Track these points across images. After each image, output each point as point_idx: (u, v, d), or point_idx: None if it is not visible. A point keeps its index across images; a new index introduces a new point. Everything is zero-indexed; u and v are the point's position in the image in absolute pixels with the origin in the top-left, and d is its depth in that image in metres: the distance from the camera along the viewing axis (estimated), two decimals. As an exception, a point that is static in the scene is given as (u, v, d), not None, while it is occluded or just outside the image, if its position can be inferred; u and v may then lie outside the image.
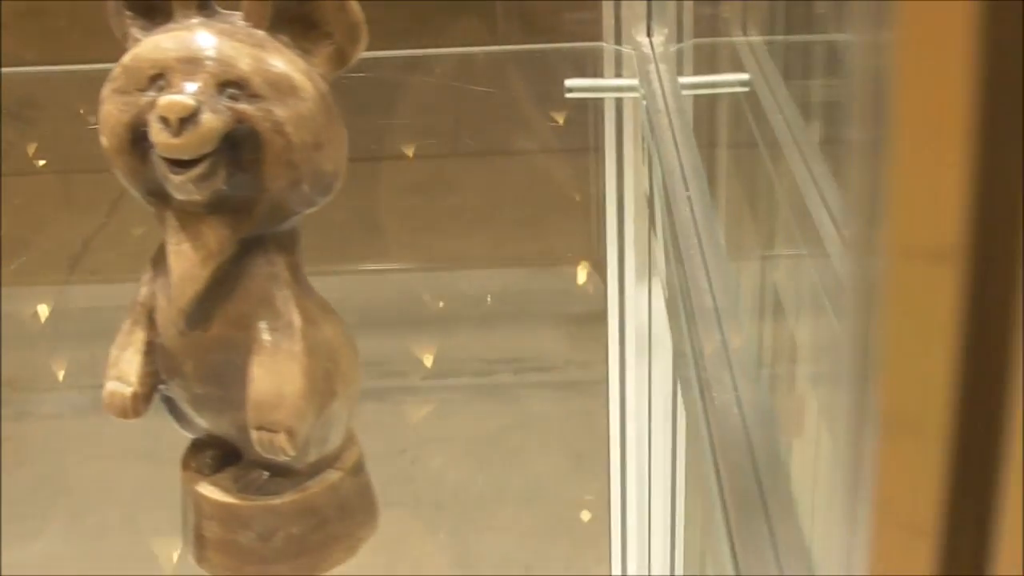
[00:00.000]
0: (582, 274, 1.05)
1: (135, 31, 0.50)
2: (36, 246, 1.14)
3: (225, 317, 0.50)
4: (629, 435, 0.87)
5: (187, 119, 0.46)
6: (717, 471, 0.54)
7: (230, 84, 0.47)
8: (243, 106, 0.47)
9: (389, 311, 0.97)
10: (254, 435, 0.50)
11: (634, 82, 0.75)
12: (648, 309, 0.83)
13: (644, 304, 0.83)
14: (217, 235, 0.49)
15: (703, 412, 0.57)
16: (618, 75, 0.79)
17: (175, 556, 0.78)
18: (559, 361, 0.98)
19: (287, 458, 0.50)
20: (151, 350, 0.52)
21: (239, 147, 0.48)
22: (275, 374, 0.50)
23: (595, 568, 0.89)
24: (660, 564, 0.88)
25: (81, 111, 1.08)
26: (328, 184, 0.49)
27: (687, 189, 0.66)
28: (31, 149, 1.20)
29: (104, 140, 0.49)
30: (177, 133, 0.46)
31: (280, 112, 0.48)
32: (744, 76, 0.72)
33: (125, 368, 0.52)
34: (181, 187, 0.47)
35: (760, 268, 0.70)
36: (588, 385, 1.01)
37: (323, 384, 0.51)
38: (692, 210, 0.65)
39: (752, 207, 0.74)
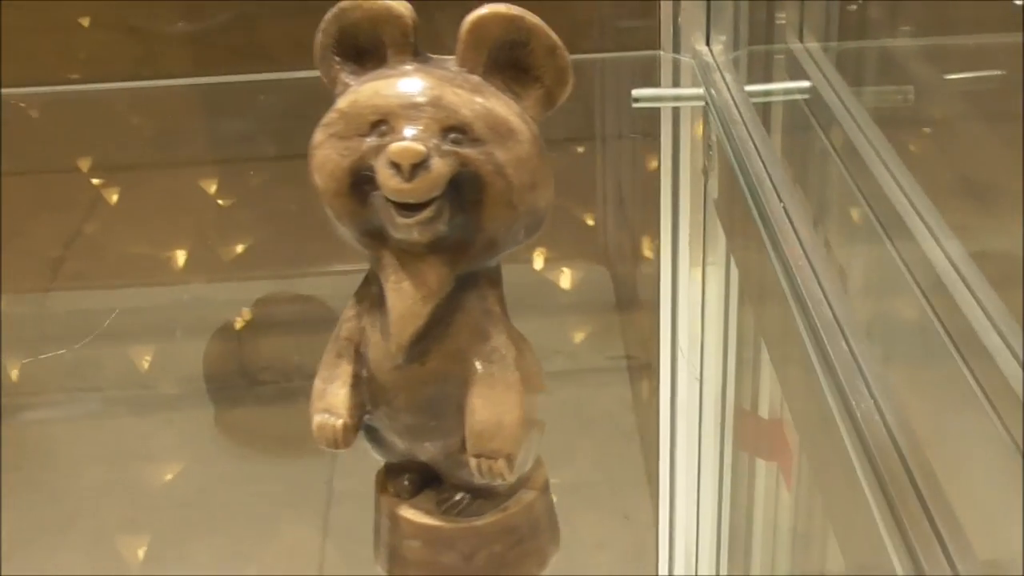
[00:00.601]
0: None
1: (345, 76, 0.51)
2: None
3: (441, 351, 0.51)
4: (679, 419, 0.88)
5: (418, 165, 0.47)
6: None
7: (453, 129, 0.49)
8: (466, 151, 0.49)
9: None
10: (473, 462, 0.52)
11: (699, 91, 0.76)
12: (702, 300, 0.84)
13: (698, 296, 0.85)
14: (437, 273, 0.50)
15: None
16: (675, 83, 0.80)
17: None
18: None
19: (504, 482, 0.52)
20: (358, 383, 0.53)
21: (461, 189, 0.49)
22: (494, 404, 0.51)
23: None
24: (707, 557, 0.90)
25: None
26: (540, 221, 0.51)
27: (780, 199, 0.68)
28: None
29: (320, 182, 0.50)
30: (409, 179, 0.47)
31: (501, 155, 0.49)
32: (806, 83, 0.74)
33: (332, 400, 0.53)
34: (407, 230, 0.49)
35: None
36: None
37: (531, 409, 0.52)
38: (788, 215, 0.67)
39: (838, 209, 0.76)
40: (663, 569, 0.90)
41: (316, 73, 0.52)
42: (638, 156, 1.07)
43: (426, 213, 0.48)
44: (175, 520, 1.01)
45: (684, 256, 0.85)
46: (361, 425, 0.54)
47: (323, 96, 0.52)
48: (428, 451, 0.54)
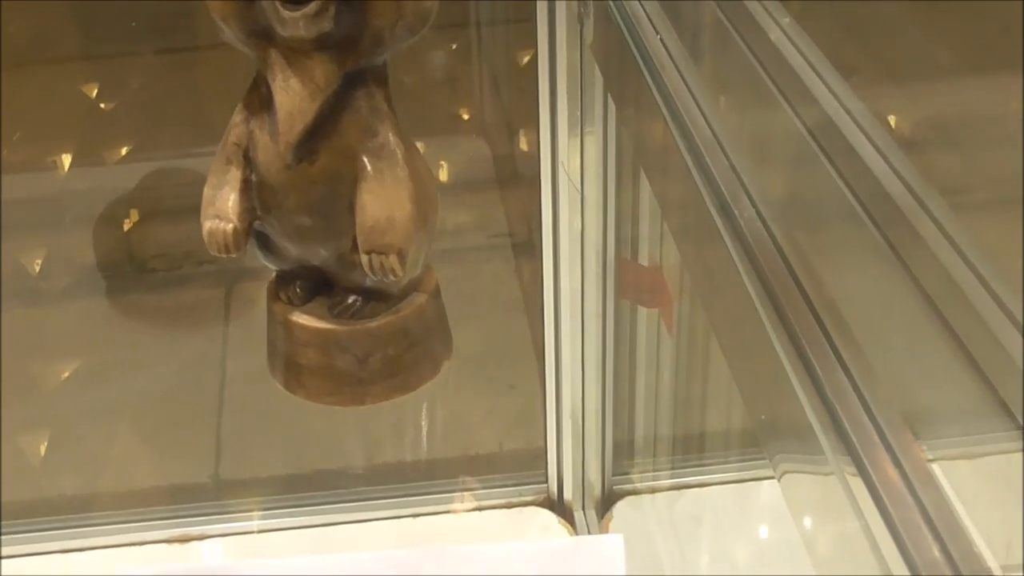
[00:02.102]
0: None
1: None
2: None
3: (331, 149, 0.50)
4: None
5: None
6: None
7: (338, -75, 0.48)
8: None
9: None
10: (364, 259, 0.51)
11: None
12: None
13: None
14: (324, 70, 0.49)
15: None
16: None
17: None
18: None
19: (395, 279, 0.51)
20: (247, 187, 0.52)
21: None
22: (384, 200, 0.50)
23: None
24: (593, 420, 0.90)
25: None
26: (425, 17, 0.50)
27: (656, 32, 0.67)
28: None
29: None
30: None
31: None
32: None
33: (222, 206, 0.52)
34: (292, 24, 0.48)
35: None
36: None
37: (424, 207, 0.52)
38: (665, 46, 0.66)
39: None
40: (551, 435, 0.90)
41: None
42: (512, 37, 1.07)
43: (311, 6, 0.47)
44: (74, 411, 0.99)
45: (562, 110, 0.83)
46: (251, 230, 0.53)
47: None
48: (320, 255, 0.53)
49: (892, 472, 0.40)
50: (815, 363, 0.46)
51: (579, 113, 0.80)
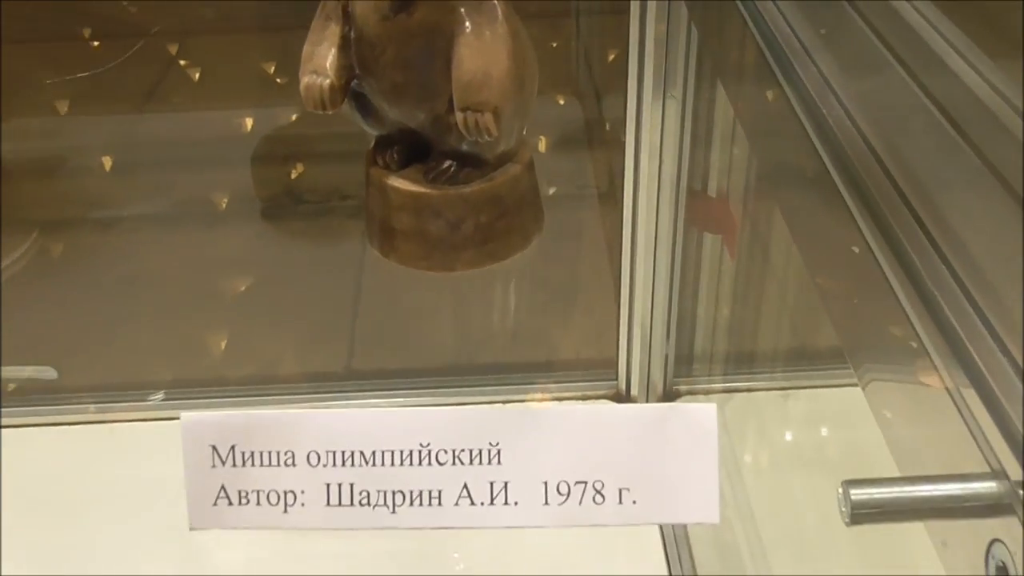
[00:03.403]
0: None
1: None
2: None
3: (430, 2, 0.35)
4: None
5: None
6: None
7: None
8: None
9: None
10: (460, 116, 0.35)
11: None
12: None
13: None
14: (425, -83, 0.34)
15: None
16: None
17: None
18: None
19: (490, 138, 0.35)
20: (345, 44, 0.37)
21: None
22: (482, 55, 0.35)
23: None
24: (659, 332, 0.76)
25: None
26: None
27: None
28: None
29: None
30: None
31: None
32: None
33: (320, 62, 0.37)
34: None
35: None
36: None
37: (521, 69, 0.36)
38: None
39: None
40: (622, 343, 0.76)
41: None
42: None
43: None
44: (246, 317, 0.90)
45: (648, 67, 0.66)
46: (348, 88, 0.37)
47: None
48: (416, 116, 0.37)
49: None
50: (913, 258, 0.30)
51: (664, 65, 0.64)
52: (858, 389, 0.32)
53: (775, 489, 0.69)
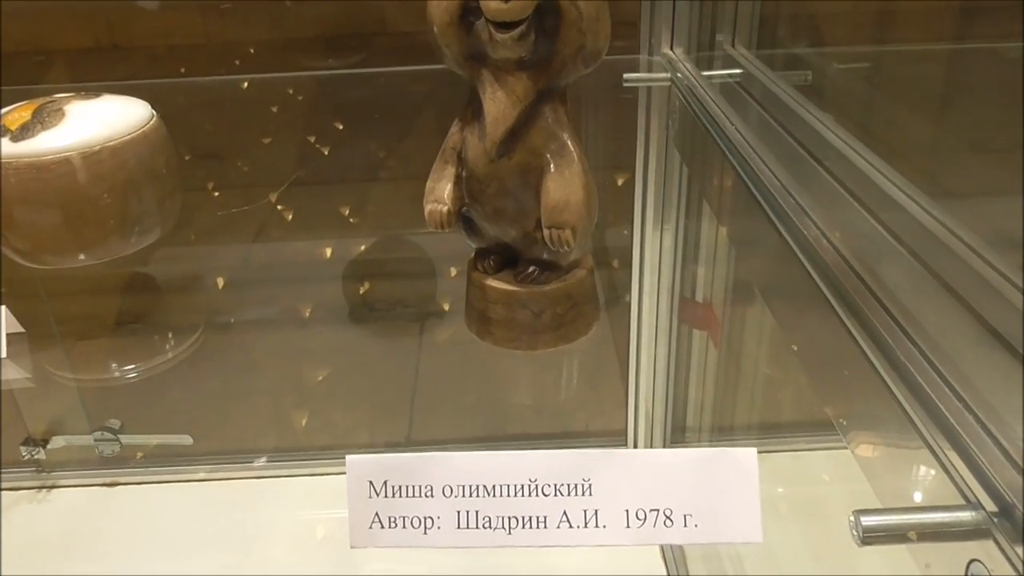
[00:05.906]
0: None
1: None
2: None
3: (525, 148, 0.36)
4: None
5: None
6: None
7: (537, -31, 0.34)
8: None
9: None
10: (546, 232, 0.36)
11: (667, 75, 0.63)
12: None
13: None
14: (523, 85, 0.35)
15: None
16: (650, 71, 0.66)
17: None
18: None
19: (568, 250, 0.37)
20: (459, 181, 0.38)
21: (544, 15, 0.34)
22: (564, 186, 0.36)
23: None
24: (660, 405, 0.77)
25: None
26: (600, 51, 0.36)
27: (731, 122, 0.53)
28: None
29: (435, 16, 0.35)
30: (506, 1, 0.33)
31: None
32: (738, 71, 0.60)
33: (440, 193, 0.38)
34: (503, 45, 0.34)
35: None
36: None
37: (590, 200, 0.37)
38: (739, 130, 0.52)
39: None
40: (630, 416, 0.77)
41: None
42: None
43: (519, 29, 0.34)
44: (325, 398, 0.90)
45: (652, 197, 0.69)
46: (459, 214, 0.39)
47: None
48: (510, 233, 0.39)
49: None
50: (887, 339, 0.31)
51: (662, 201, 0.67)
52: (812, 453, 0.33)
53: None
